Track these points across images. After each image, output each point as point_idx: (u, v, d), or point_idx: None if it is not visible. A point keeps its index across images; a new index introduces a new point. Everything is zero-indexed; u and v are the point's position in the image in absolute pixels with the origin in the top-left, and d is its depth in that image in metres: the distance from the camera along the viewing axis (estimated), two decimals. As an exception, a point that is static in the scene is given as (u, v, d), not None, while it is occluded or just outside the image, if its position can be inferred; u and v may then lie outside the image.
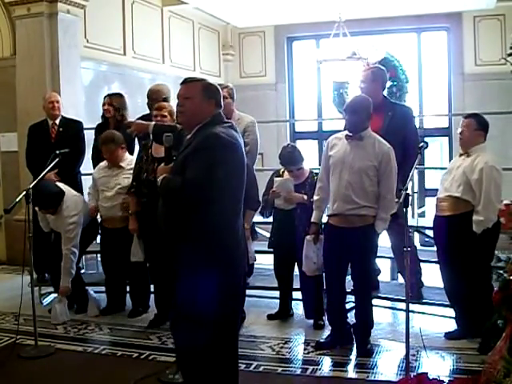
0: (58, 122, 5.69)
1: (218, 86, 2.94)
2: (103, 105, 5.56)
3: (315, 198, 4.20)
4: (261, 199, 4.62)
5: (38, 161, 5.23)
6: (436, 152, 9.96)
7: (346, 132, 4.00)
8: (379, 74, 4.67)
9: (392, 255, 5.03)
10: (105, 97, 5.69)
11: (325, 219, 4.21)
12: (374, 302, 4.24)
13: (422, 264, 4.82)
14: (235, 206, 2.80)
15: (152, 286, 4.82)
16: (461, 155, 4.12)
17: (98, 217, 5.13)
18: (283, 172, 4.68)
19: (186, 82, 2.87)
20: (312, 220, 4.23)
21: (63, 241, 4.78)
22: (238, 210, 2.83)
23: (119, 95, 5.66)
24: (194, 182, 2.65)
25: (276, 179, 4.59)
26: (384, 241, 4.71)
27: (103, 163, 5.03)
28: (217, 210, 2.67)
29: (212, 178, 2.62)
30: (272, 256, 4.86)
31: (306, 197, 4.47)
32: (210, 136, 2.70)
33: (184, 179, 2.67)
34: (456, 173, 4.03)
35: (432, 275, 4.74)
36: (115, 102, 5.49)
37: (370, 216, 3.89)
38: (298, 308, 4.89)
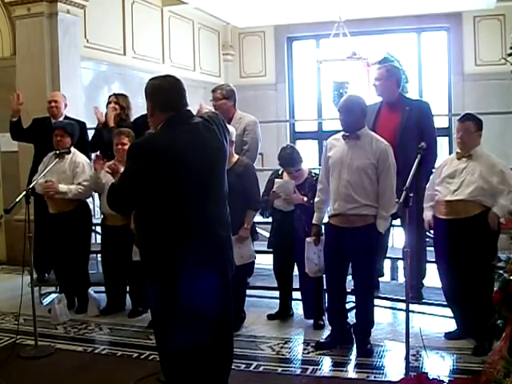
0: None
1: (168, 85, 2.69)
2: (109, 103, 5.57)
3: (316, 199, 4.20)
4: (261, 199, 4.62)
5: (39, 160, 5.25)
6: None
7: (343, 132, 4.00)
8: (394, 72, 4.69)
9: (392, 255, 5.04)
10: (110, 96, 5.70)
11: (325, 220, 4.21)
12: (374, 301, 4.23)
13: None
14: (187, 210, 2.59)
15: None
16: (461, 157, 4.07)
17: (100, 215, 5.15)
18: (282, 172, 4.68)
19: None
20: (313, 222, 4.23)
21: (75, 178, 4.97)
22: (200, 213, 2.62)
23: (125, 95, 5.69)
24: (112, 189, 2.66)
25: (276, 180, 4.59)
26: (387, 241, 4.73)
27: (110, 162, 5.02)
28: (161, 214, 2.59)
29: (130, 188, 2.57)
30: (272, 256, 4.87)
31: (305, 198, 4.47)
32: (131, 146, 2.70)
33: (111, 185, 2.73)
34: (465, 176, 3.96)
35: (432, 275, 4.74)
36: (122, 101, 5.53)
37: (370, 216, 3.89)
38: (298, 308, 4.89)
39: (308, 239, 4.28)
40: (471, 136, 4.00)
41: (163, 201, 2.56)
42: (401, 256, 4.91)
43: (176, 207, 2.57)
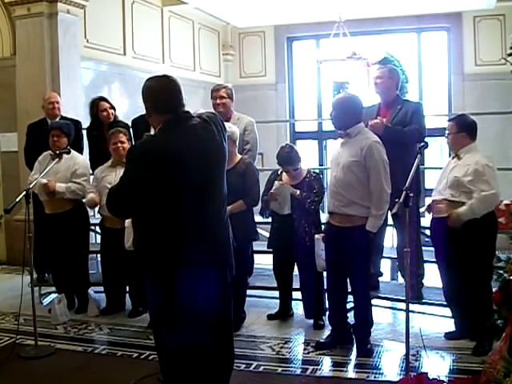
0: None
1: (161, 87, 2.66)
2: (103, 110, 5.56)
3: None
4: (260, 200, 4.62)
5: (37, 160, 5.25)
6: (436, 152, 9.95)
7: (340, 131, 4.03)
8: (396, 72, 4.83)
9: (392, 255, 5.04)
10: (96, 101, 5.67)
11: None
12: (374, 301, 4.24)
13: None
14: (186, 213, 2.57)
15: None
16: (453, 157, 4.12)
17: (99, 216, 5.14)
18: (281, 173, 4.68)
19: None
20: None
21: (74, 178, 4.98)
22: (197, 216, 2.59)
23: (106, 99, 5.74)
24: (111, 194, 2.63)
25: (276, 182, 4.59)
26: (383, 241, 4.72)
27: (107, 163, 5.02)
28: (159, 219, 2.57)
29: (131, 192, 2.53)
30: (272, 256, 4.86)
31: (298, 192, 4.48)
32: (130, 149, 2.66)
33: (110, 189, 2.70)
34: (448, 176, 4.00)
35: (432, 275, 4.74)
36: (111, 103, 5.58)
37: (359, 216, 3.85)
38: (298, 308, 4.89)
39: (317, 236, 4.29)
40: (454, 137, 4.06)
41: (162, 203, 2.54)
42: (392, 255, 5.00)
43: (175, 210, 2.55)
